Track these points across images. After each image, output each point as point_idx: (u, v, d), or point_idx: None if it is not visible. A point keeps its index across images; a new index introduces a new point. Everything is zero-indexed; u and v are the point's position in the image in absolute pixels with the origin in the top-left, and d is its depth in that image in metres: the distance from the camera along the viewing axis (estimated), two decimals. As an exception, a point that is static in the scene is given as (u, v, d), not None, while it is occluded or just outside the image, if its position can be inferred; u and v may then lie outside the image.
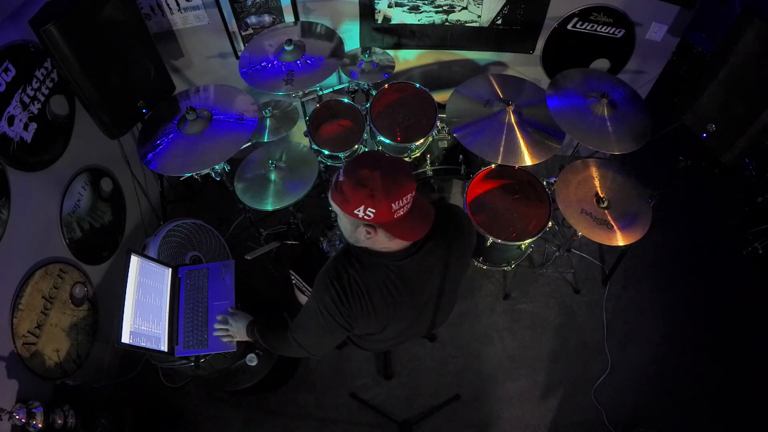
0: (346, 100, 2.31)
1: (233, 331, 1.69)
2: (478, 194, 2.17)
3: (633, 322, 2.52)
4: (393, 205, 1.03)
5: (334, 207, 1.11)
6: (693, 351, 2.43)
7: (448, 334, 2.49)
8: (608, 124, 1.95)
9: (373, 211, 1.03)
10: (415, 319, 1.44)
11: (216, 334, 1.72)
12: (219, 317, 1.75)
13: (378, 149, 2.30)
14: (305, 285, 1.87)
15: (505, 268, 2.53)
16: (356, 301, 1.20)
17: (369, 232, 1.10)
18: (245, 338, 1.64)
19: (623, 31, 2.29)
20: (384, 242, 1.14)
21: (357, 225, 1.10)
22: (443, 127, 2.29)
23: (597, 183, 2.06)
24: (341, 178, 1.06)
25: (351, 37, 2.45)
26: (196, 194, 2.98)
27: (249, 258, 2.21)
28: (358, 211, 1.04)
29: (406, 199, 1.06)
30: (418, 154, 2.28)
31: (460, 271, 1.42)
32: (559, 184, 2.05)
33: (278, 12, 2.34)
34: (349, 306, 1.21)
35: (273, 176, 2.19)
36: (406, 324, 1.45)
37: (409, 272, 1.22)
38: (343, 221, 1.14)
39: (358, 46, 2.48)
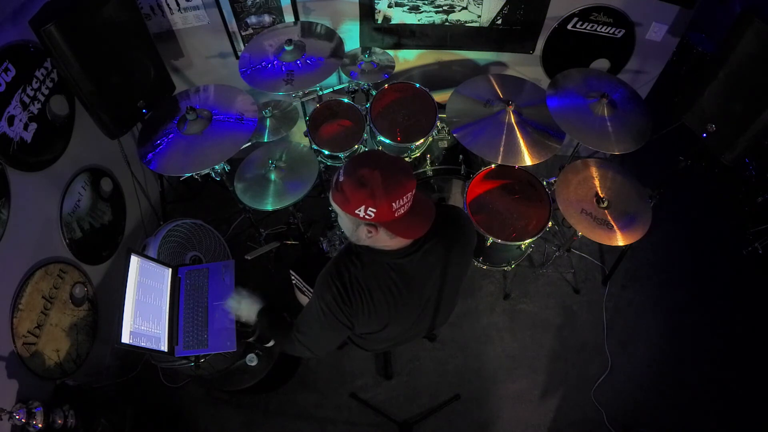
0: (346, 100, 2.31)
1: (242, 311, 1.57)
2: (478, 194, 2.17)
3: (633, 322, 2.52)
4: (393, 204, 1.04)
5: (335, 207, 1.11)
6: (693, 351, 2.43)
7: (448, 334, 2.49)
8: (608, 124, 1.95)
9: (374, 210, 1.04)
10: (416, 318, 1.44)
11: (225, 306, 1.62)
12: (233, 294, 1.61)
13: (378, 149, 2.30)
14: (305, 285, 1.87)
15: (505, 268, 2.53)
16: (357, 299, 1.21)
17: (370, 231, 1.11)
18: (251, 320, 1.55)
19: (623, 31, 2.29)
20: (385, 240, 1.14)
21: (358, 224, 1.11)
22: (443, 127, 2.29)
23: (597, 183, 2.06)
24: (341, 178, 1.07)
25: (351, 37, 2.45)
26: (196, 194, 2.98)
27: (249, 258, 2.21)
28: (359, 211, 1.05)
29: (407, 198, 1.07)
30: (418, 154, 2.28)
31: (461, 271, 1.42)
32: (559, 184, 2.05)
33: (278, 12, 2.34)
34: (351, 304, 1.21)
35: (273, 176, 2.19)
36: (406, 323, 1.45)
37: (410, 271, 1.22)
38: (344, 220, 1.15)
39: (358, 46, 2.48)
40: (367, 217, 1.05)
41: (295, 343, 1.36)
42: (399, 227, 1.11)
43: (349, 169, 1.07)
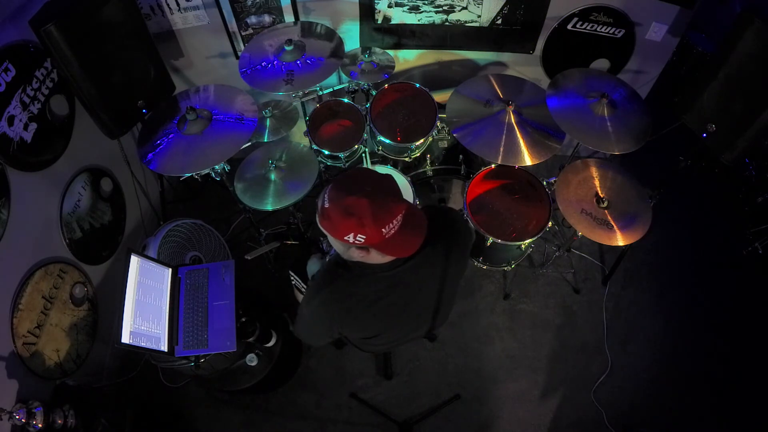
0: (346, 100, 2.31)
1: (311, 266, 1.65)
2: (478, 194, 2.17)
3: (633, 322, 2.52)
4: (383, 229, 1.02)
5: (323, 231, 1.09)
6: (693, 351, 2.43)
7: (448, 334, 2.49)
8: (608, 124, 1.95)
9: (364, 237, 1.02)
10: (412, 323, 1.44)
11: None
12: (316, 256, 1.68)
13: (378, 149, 2.30)
14: (305, 285, 1.87)
15: (505, 268, 2.53)
16: (343, 309, 1.22)
17: (362, 253, 1.09)
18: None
19: (623, 31, 2.29)
20: (377, 259, 1.13)
21: (349, 247, 1.09)
22: (443, 127, 2.29)
23: (597, 183, 2.06)
24: (327, 205, 1.03)
25: (351, 37, 2.45)
26: (196, 194, 2.98)
27: (249, 258, 2.20)
28: (348, 237, 1.03)
29: (397, 220, 1.04)
30: (418, 154, 2.28)
31: (458, 274, 1.41)
32: (559, 184, 2.05)
33: (278, 12, 2.34)
34: (335, 313, 1.23)
35: (273, 176, 2.19)
36: (402, 329, 1.46)
37: (404, 280, 1.21)
38: (335, 243, 1.13)
39: (358, 46, 2.48)
40: (357, 242, 1.03)
41: (295, 327, 1.40)
42: (390, 247, 1.08)
43: (333, 196, 1.03)
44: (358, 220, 1.00)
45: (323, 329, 1.32)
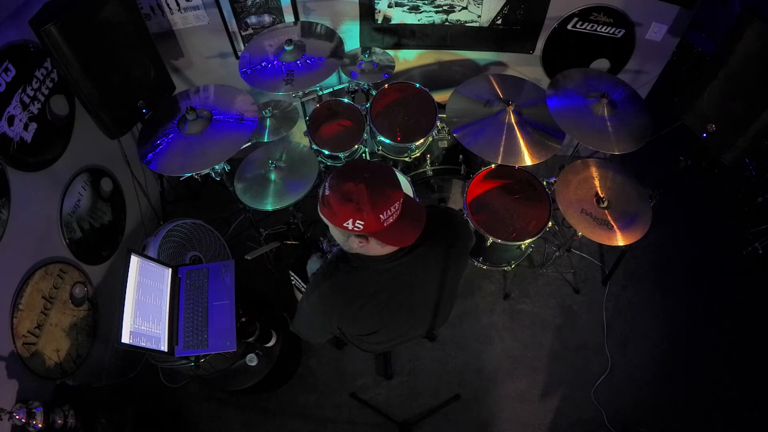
0: (346, 100, 2.31)
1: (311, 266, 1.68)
2: (478, 194, 2.17)
3: (633, 322, 2.52)
4: (381, 216, 1.04)
5: (324, 219, 1.11)
6: (693, 351, 2.43)
7: (448, 334, 2.49)
8: (608, 124, 1.95)
9: (362, 223, 1.04)
10: (411, 321, 1.45)
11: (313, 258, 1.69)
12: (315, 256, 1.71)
13: (378, 149, 2.30)
14: (305, 285, 1.87)
15: (505, 268, 2.53)
16: (342, 303, 1.23)
17: (361, 242, 1.11)
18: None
19: (623, 31, 2.29)
20: (377, 249, 1.15)
21: (348, 236, 1.11)
22: (443, 127, 2.29)
23: (597, 183, 2.06)
24: (327, 192, 1.06)
25: (351, 37, 2.45)
26: (196, 194, 2.98)
27: (249, 258, 2.20)
28: (347, 224, 1.05)
29: (394, 208, 1.06)
30: (418, 154, 2.28)
31: (457, 274, 1.42)
32: (559, 184, 2.05)
33: (278, 12, 2.34)
34: (334, 307, 1.24)
35: (273, 176, 2.19)
36: (401, 327, 1.46)
37: (402, 275, 1.22)
38: (335, 232, 1.15)
39: (358, 46, 2.48)
40: (355, 229, 1.05)
41: (294, 323, 1.41)
42: (389, 236, 1.10)
43: (333, 183, 1.06)
44: (356, 206, 1.02)
45: (322, 324, 1.33)
